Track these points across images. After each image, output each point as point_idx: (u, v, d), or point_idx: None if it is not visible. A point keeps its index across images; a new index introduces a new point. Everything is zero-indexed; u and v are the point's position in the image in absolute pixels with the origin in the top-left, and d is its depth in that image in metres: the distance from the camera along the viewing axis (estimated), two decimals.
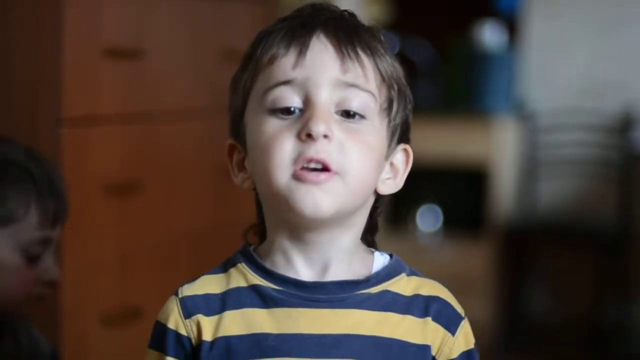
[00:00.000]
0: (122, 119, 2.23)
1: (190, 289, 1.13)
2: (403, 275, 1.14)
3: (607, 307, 4.12)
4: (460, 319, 1.14)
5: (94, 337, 2.12)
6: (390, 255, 1.17)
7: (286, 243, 1.10)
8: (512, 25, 4.41)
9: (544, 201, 4.33)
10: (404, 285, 1.13)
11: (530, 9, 4.38)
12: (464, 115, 4.27)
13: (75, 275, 2.03)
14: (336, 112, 1.07)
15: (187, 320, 1.10)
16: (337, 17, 1.11)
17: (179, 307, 1.11)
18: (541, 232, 4.22)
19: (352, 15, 1.14)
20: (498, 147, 4.18)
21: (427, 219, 4.33)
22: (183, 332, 1.11)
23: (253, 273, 1.11)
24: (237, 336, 1.08)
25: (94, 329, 2.11)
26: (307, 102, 1.06)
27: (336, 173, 1.05)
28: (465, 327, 1.14)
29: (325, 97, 1.06)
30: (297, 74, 1.07)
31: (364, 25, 1.13)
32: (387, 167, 1.14)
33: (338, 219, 1.08)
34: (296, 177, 1.04)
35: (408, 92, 1.15)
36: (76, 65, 2.03)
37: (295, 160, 1.05)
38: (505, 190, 4.23)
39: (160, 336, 1.12)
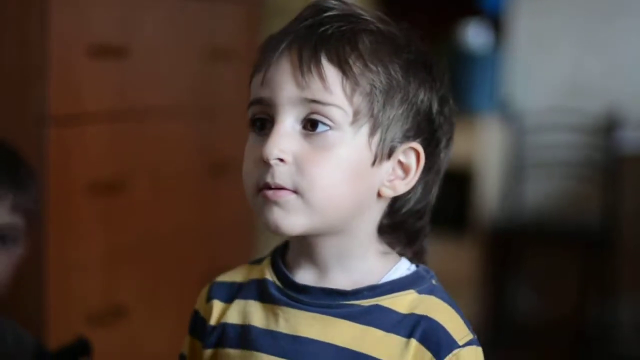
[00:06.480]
0: (108, 117, 2.22)
1: (224, 276, 1.18)
2: (411, 291, 1.09)
3: (592, 307, 4.13)
4: (454, 345, 1.06)
5: None
6: (417, 268, 1.13)
7: (296, 244, 1.12)
8: (497, 25, 4.42)
9: (529, 201, 4.33)
10: (404, 302, 1.07)
11: (516, 9, 4.39)
12: None
13: (62, 274, 2.02)
14: (302, 127, 1.04)
15: (206, 304, 1.16)
16: (320, 24, 1.05)
17: (206, 291, 1.17)
18: (526, 232, 4.22)
19: (355, 17, 1.07)
20: (483, 147, 4.19)
21: None
22: (202, 314, 1.17)
23: (270, 268, 1.14)
24: (232, 325, 1.13)
25: (81, 328, 2.10)
26: (272, 122, 1.06)
27: (295, 192, 1.03)
28: (460, 357, 1.06)
29: (284, 117, 1.04)
30: (264, 93, 1.06)
31: (362, 31, 1.06)
32: (390, 169, 1.08)
33: (329, 229, 1.07)
34: (260, 194, 1.05)
35: (411, 95, 1.08)
36: (62, 64, 2.03)
37: (257, 185, 1.05)
38: (490, 190, 4.24)
39: (192, 318, 1.19)
